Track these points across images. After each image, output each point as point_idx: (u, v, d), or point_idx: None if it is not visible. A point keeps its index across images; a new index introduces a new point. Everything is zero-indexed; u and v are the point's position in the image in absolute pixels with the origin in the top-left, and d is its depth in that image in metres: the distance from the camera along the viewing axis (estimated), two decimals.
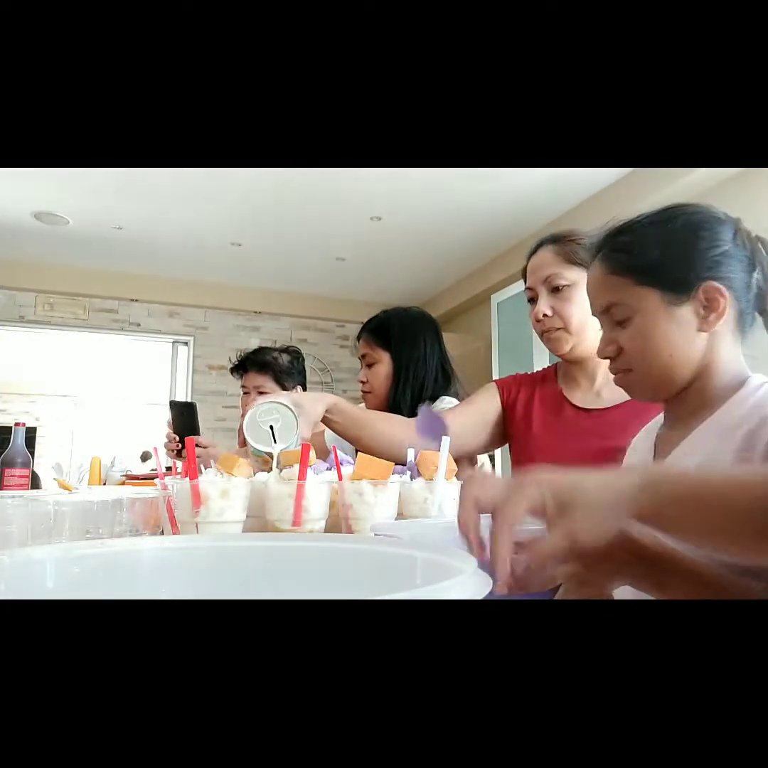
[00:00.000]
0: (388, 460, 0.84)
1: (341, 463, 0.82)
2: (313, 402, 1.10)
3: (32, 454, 1.93)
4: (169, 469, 0.96)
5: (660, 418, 0.86)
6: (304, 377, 2.06)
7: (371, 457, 0.81)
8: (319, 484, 0.79)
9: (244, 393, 2.00)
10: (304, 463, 0.77)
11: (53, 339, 5.51)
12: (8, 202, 3.38)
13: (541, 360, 3.45)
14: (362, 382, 1.55)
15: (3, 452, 1.64)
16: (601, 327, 0.81)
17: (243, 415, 1.97)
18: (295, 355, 2.03)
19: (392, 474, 0.82)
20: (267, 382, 1.95)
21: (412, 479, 0.85)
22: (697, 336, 0.74)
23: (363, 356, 1.55)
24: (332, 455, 0.83)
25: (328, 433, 1.56)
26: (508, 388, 1.28)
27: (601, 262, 0.79)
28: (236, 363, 2.02)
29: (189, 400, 1.87)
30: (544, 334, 1.18)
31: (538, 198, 3.36)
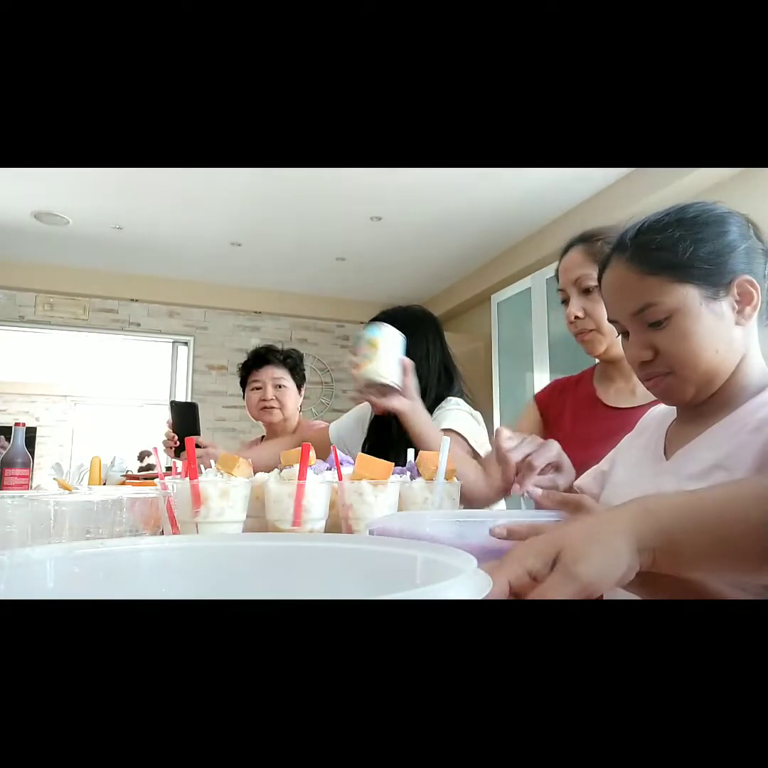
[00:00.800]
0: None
1: (341, 463, 0.82)
2: None
3: (32, 454, 1.93)
4: (169, 469, 0.96)
5: (671, 409, 0.85)
6: (304, 380, 2.10)
7: (371, 457, 0.81)
8: (319, 484, 0.79)
9: (256, 388, 2.00)
10: (304, 463, 0.77)
11: (53, 339, 5.51)
12: (8, 202, 3.38)
13: (541, 360, 3.46)
14: None
15: (3, 452, 1.65)
16: (626, 331, 0.78)
17: (261, 406, 2.00)
18: (301, 358, 2.08)
19: (392, 474, 0.82)
20: (285, 375, 2.00)
21: (412, 479, 0.85)
22: (736, 330, 0.73)
23: None
24: (332, 455, 0.83)
25: (333, 430, 1.57)
26: (546, 397, 1.30)
27: (630, 263, 0.75)
28: (253, 356, 2.04)
29: (190, 400, 1.86)
30: (578, 336, 1.16)
31: (539, 198, 3.35)
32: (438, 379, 1.49)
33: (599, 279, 0.82)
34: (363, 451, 1.50)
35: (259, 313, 5.01)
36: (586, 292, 1.14)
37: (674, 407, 0.85)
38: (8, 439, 1.66)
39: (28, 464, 1.65)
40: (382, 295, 4.85)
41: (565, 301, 1.18)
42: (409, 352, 1.49)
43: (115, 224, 3.69)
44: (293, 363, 2.01)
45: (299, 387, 2.03)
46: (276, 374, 1.99)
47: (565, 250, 1.20)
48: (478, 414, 1.41)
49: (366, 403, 1.59)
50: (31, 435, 7.53)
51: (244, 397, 2.07)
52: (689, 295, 0.73)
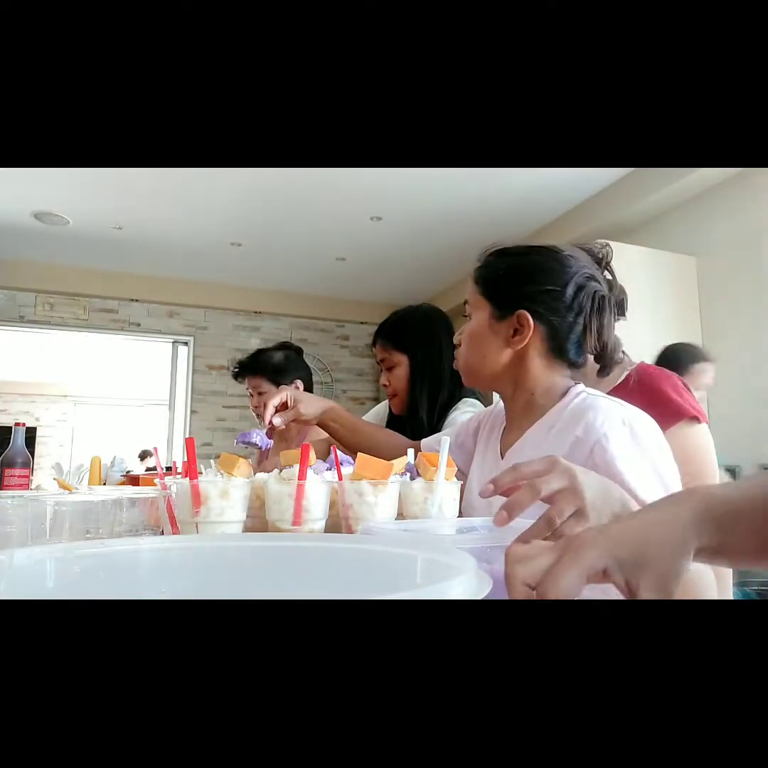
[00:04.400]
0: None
1: (341, 463, 0.82)
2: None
3: (32, 454, 1.93)
4: (168, 469, 0.96)
5: (501, 415, 1.04)
6: (306, 371, 2.09)
7: (371, 457, 0.81)
8: (319, 484, 0.79)
9: (250, 395, 2.08)
10: (304, 463, 0.77)
11: (53, 339, 5.50)
12: (8, 202, 3.38)
13: None
14: (385, 386, 1.55)
15: (3, 452, 1.64)
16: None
17: (258, 416, 2.06)
18: (289, 351, 2.08)
19: (392, 474, 0.82)
20: (263, 383, 2.02)
21: (411, 479, 0.85)
22: (504, 350, 0.93)
23: (381, 361, 1.54)
24: (332, 455, 0.83)
25: None
26: None
27: (473, 272, 0.98)
28: (235, 370, 2.08)
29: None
30: None
31: (538, 198, 3.35)
32: (450, 376, 1.50)
33: None
34: None
35: (259, 313, 5.01)
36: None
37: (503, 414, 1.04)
38: (8, 439, 1.66)
39: (28, 464, 1.65)
40: (382, 295, 4.85)
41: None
42: (426, 352, 1.50)
43: (115, 224, 3.69)
44: (271, 368, 2.02)
45: (290, 383, 2.02)
46: (253, 384, 2.04)
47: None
48: None
49: (384, 402, 1.61)
50: (31, 435, 7.52)
51: None
52: (483, 307, 0.94)
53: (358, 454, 0.83)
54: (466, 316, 0.99)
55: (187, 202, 3.43)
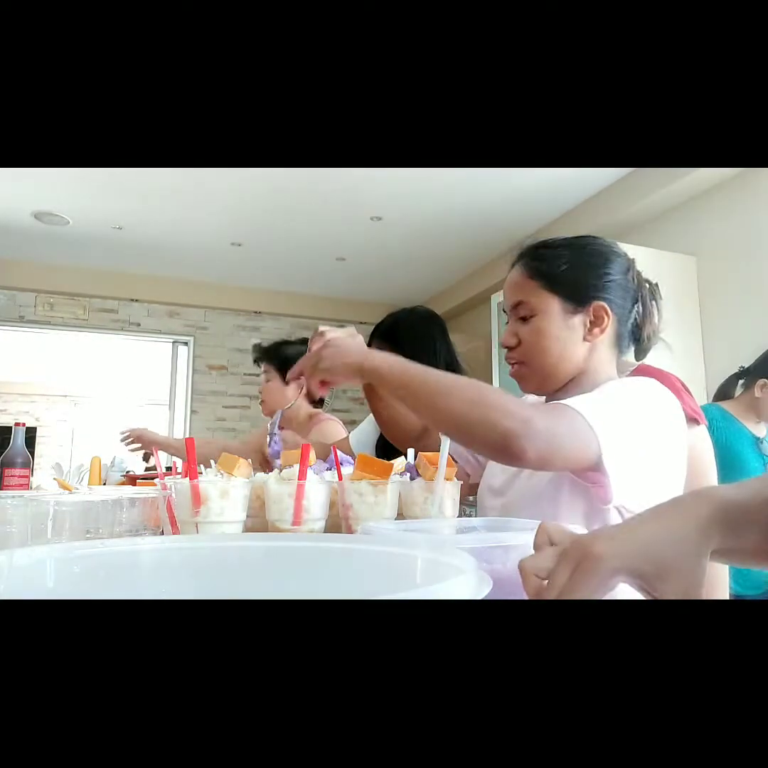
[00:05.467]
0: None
1: (341, 463, 0.82)
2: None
3: (32, 454, 1.93)
4: (169, 469, 0.96)
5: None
6: None
7: (371, 456, 0.81)
8: (319, 484, 0.79)
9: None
10: (304, 463, 0.77)
11: (53, 339, 5.50)
12: (8, 202, 3.38)
13: None
14: None
15: (3, 452, 1.64)
16: (508, 321, 0.95)
17: (261, 402, 2.06)
18: (299, 353, 2.10)
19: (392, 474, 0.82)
20: (270, 369, 2.05)
21: (411, 479, 0.85)
22: (581, 343, 0.89)
23: None
24: (332, 455, 0.83)
25: (353, 438, 1.58)
26: None
27: (521, 267, 0.93)
28: (255, 355, 2.13)
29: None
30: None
31: (538, 198, 3.35)
32: None
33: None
34: (376, 447, 1.52)
35: (259, 313, 5.01)
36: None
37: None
38: (8, 439, 1.65)
39: (28, 464, 1.65)
40: (382, 295, 4.85)
41: None
42: (420, 355, 1.50)
43: (115, 224, 3.69)
44: (279, 358, 2.04)
45: (286, 376, 2.05)
46: (265, 369, 2.07)
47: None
48: None
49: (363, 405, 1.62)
50: (31, 435, 7.52)
51: None
52: (551, 303, 0.89)
53: (358, 454, 0.83)
54: (523, 319, 0.91)
55: (188, 202, 3.43)
